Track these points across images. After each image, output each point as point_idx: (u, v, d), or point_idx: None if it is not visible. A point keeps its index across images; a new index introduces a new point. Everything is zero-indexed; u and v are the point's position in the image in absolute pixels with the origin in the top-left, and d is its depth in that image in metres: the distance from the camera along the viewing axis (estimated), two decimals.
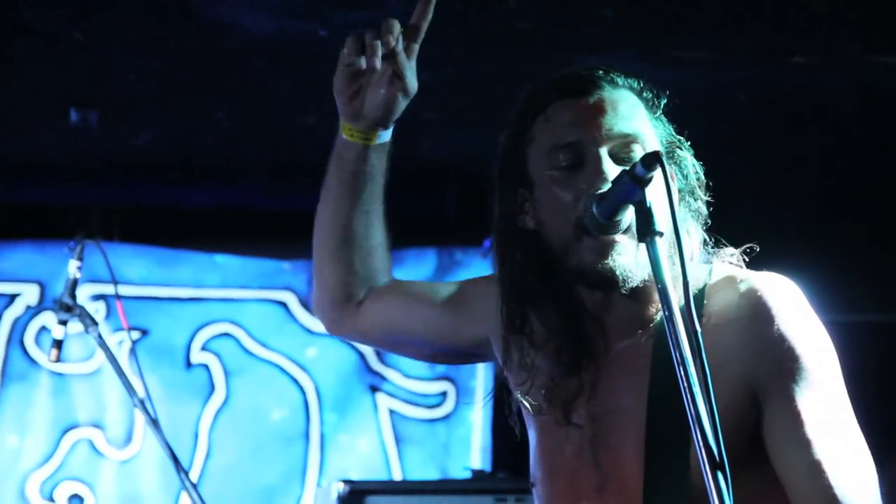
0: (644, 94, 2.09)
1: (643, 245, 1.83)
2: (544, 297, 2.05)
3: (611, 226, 1.93)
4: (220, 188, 5.67)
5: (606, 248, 1.94)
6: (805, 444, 1.88)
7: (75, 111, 4.72)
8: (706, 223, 2.09)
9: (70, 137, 4.99)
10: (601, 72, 2.05)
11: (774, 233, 5.86)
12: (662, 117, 2.11)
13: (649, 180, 1.81)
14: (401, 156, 5.80)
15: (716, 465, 1.67)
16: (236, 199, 5.78)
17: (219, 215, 5.77)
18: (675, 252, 1.79)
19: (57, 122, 4.81)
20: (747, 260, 2.10)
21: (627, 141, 1.99)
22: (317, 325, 5.73)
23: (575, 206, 1.96)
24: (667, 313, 1.75)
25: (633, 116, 2.02)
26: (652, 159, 1.79)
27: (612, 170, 1.94)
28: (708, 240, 2.09)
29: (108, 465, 5.49)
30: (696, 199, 2.08)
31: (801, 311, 1.98)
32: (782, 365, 1.92)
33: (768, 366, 1.93)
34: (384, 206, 2.46)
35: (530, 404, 2.08)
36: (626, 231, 1.94)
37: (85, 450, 5.49)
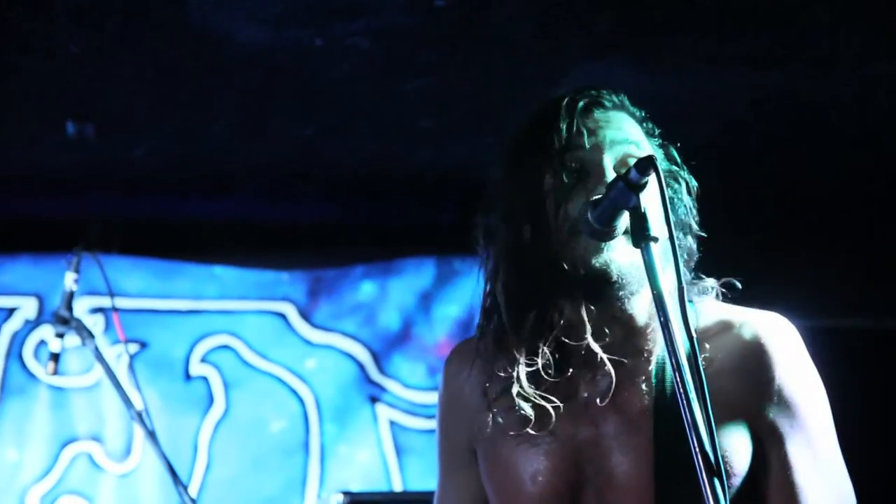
0: (645, 123, 2.17)
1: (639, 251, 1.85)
2: (545, 312, 2.06)
3: (606, 232, 1.93)
4: (219, 200, 5.67)
5: (601, 246, 1.98)
6: (796, 489, 2.01)
7: (72, 124, 4.72)
8: (694, 260, 2.13)
9: (67, 150, 4.98)
10: (608, 92, 2.13)
11: (772, 239, 5.88)
12: (662, 146, 2.17)
13: (644, 185, 1.82)
14: (399, 165, 5.83)
15: (712, 472, 1.66)
16: (234, 210, 5.78)
17: (217, 227, 5.77)
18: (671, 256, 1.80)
19: (54, 135, 4.81)
20: (727, 293, 2.14)
21: (628, 152, 2.05)
22: (316, 335, 5.72)
23: (576, 214, 2.01)
24: (662, 319, 1.75)
25: (634, 132, 2.10)
26: (646, 164, 1.79)
27: (612, 177, 1.98)
28: (694, 276, 2.14)
29: (107, 478, 5.48)
30: (685, 235, 2.13)
31: (799, 357, 2.07)
32: (781, 412, 2.03)
33: (768, 413, 2.02)
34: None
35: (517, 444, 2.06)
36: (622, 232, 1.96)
37: (84, 463, 5.47)
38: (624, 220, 1.91)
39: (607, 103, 2.11)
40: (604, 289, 2.01)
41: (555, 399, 2.03)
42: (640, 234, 1.81)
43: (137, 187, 5.48)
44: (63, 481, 5.45)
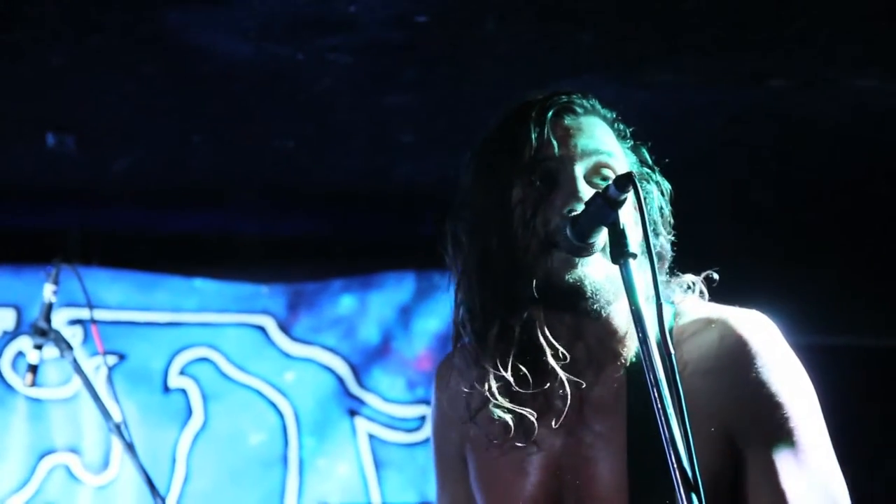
0: (616, 125, 2.12)
1: (616, 266, 1.84)
2: (511, 325, 2.03)
3: (584, 248, 1.94)
4: (198, 212, 5.66)
5: (576, 260, 1.96)
6: (779, 492, 1.91)
7: (52, 135, 4.71)
8: (668, 261, 2.13)
9: (47, 161, 4.97)
10: (578, 96, 2.08)
11: (749, 256, 5.91)
12: (633, 149, 2.14)
13: (622, 202, 1.83)
14: (379, 179, 5.83)
15: (690, 487, 1.67)
16: (214, 223, 5.77)
17: (197, 239, 5.76)
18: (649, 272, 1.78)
19: (34, 146, 4.80)
20: (706, 289, 2.12)
21: (599, 162, 2.02)
22: (295, 348, 5.72)
23: (547, 224, 1.99)
24: (640, 335, 1.76)
25: (606, 140, 2.05)
26: (625, 181, 1.80)
27: (585, 189, 1.97)
28: (668, 276, 2.12)
29: (84, 490, 5.45)
30: (657, 236, 2.11)
31: (778, 353, 1.99)
32: (761, 413, 1.95)
33: (747, 413, 1.95)
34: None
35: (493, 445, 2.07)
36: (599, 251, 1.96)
37: (61, 475, 5.45)
38: (603, 236, 1.92)
39: (578, 109, 2.06)
40: (577, 302, 1.98)
41: (530, 410, 2.02)
42: (618, 251, 1.82)
43: (117, 199, 5.47)
44: (40, 493, 5.42)
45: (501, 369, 2.02)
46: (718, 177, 5.31)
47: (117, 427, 3.71)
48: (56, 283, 3.86)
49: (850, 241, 5.93)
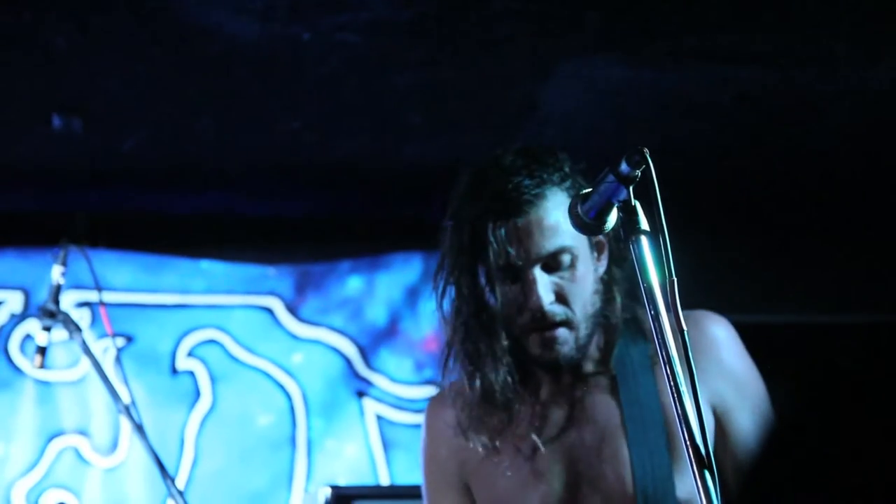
0: (566, 183, 2.32)
1: (579, 328, 2.28)
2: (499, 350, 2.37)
3: (596, 226, 1.93)
4: (205, 194, 5.66)
5: (550, 342, 2.30)
6: (748, 450, 2.30)
7: (59, 117, 4.70)
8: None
9: (54, 143, 4.97)
10: (527, 182, 2.28)
11: (764, 234, 5.90)
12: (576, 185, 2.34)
13: (635, 178, 1.82)
14: (387, 160, 5.82)
15: (703, 465, 1.67)
16: (221, 204, 5.77)
17: (204, 221, 5.76)
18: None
19: (40, 129, 4.79)
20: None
21: (556, 253, 2.28)
22: (302, 330, 5.72)
23: (520, 314, 2.30)
24: (652, 312, 1.76)
25: (560, 230, 2.27)
26: (637, 156, 1.79)
27: (544, 287, 2.27)
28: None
29: (93, 472, 5.47)
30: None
31: (737, 344, 2.41)
32: (730, 388, 2.36)
33: (727, 387, 2.36)
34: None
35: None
36: (563, 322, 2.28)
37: (71, 457, 5.46)
38: (613, 214, 1.91)
39: (526, 204, 2.26)
40: (555, 370, 2.36)
41: (533, 430, 2.34)
42: (630, 228, 1.82)
43: (124, 181, 5.46)
44: (49, 475, 5.44)
45: (493, 405, 2.36)
46: (726, 154, 5.29)
47: (126, 408, 3.71)
48: (64, 264, 3.85)
49: (856, 218, 5.92)
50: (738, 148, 5.28)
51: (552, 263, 2.29)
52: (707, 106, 4.82)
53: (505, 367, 2.34)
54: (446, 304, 2.44)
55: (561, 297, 2.29)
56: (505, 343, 2.34)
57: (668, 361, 1.72)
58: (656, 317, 1.74)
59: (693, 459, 1.67)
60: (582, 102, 4.73)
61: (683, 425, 1.69)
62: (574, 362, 2.34)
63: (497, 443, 2.34)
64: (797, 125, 5.06)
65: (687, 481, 2.07)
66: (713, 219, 5.62)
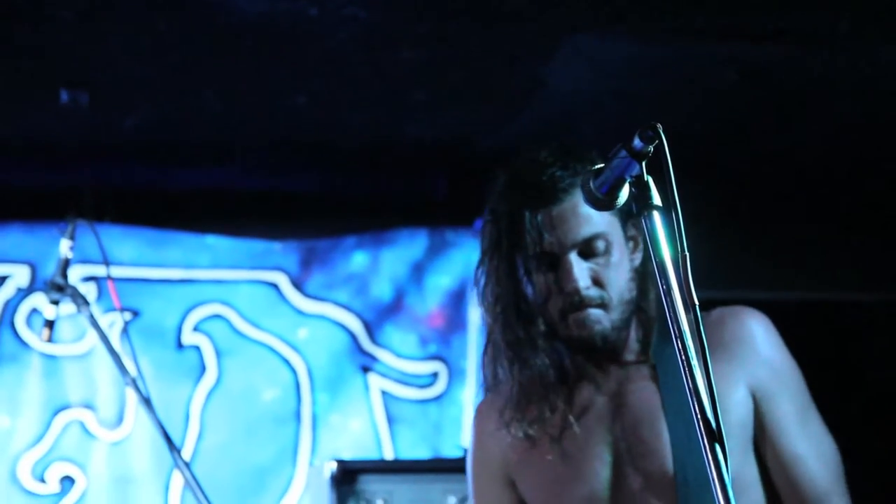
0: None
1: (615, 310, 2.36)
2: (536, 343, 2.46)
3: (608, 201, 1.94)
4: (211, 169, 5.66)
5: (585, 320, 2.37)
6: (792, 437, 2.41)
7: (66, 92, 4.70)
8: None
9: (61, 118, 4.97)
10: (559, 173, 2.38)
11: (768, 216, 5.90)
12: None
13: (648, 153, 1.82)
14: (393, 135, 5.80)
15: (713, 438, 1.68)
16: (227, 179, 5.77)
17: (209, 196, 5.76)
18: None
19: (47, 103, 4.79)
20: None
21: (590, 239, 2.37)
22: (308, 305, 5.73)
23: (557, 299, 2.38)
24: (664, 287, 1.77)
25: (593, 217, 2.37)
26: (650, 132, 1.79)
27: (580, 271, 2.36)
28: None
29: (99, 445, 5.49)
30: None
31: (776, 337, 2.48)
32: (774, 375, 2.44)
33: (765, 374, 2.43)
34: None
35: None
36: (599, 304, 2.36)
37: (76, 431, 5.48)
38: (625, 190, 1.92)
39: (560, 192, 2.36)
40: (592, 350, 2.43)
41: (575, 417, 2.43)
42: (643, 203, 1.82)
43: (131, 155, 5.46)
44: (55, 448, 5.46)
45: (537, 401, 2.46)
46: (732, 130, 5.29)
47: (132, 381, 3.73)
48: (72, 238, 3.87)
49: (859, 199, 5.92)
50: (745, 126, 5.28)
51: (587, 250, 2.38)
52: (713, 84, 4.82)
53: (544, 355, 2.42)
54: (488, 297, 2.47)
55: (597, 282, 2.38)
56: (542, 329, 2.42)
57: (680, 336, 1.73)
58: (668, 292, 1.75)
59: (704, 432, 1.68)
60: (588, 79, 4.73)
61: (694, 398, 1.70)
62: (611, 345, 2.40)
63: (539, 431, 2.42)
64: (805, 103, 5.05)
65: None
66: (722, 198, 5.61)
